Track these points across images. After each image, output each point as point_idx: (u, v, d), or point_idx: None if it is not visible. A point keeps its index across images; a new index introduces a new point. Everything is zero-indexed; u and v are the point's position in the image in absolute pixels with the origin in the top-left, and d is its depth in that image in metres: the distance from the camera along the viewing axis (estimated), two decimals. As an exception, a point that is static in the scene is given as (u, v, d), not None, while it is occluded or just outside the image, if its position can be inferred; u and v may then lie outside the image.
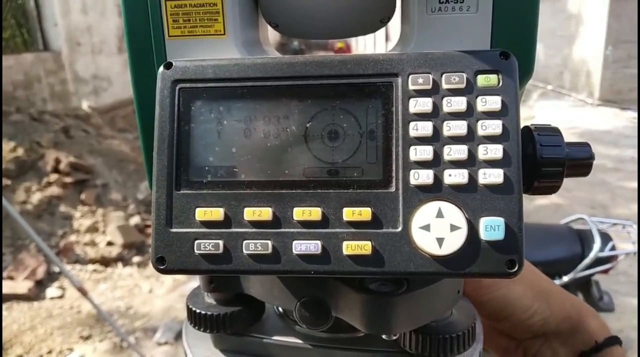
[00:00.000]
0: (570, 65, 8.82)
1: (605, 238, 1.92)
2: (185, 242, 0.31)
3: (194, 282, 2.93)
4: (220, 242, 0.31)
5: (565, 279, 1.89)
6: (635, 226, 1.96)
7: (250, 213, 0.31)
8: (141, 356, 2.39)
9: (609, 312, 2.13)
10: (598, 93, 7.89)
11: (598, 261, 1.88)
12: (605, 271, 1.96)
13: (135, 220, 3.70)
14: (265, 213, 0.31)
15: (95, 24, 6.10)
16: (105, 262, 3.34)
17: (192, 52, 0.35)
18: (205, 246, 0.31)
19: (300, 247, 0.30)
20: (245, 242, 0.30)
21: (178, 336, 2.57)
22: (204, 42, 0.35)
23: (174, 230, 0.31)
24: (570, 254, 1.91)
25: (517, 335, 0.47)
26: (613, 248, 1.91)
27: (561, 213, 3.44)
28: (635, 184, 4.07)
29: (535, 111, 7.59)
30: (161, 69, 0.33)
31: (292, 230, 0.30)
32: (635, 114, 6.65)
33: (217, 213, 0.31)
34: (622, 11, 7.27)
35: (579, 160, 0.34)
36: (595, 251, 1.85)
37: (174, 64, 0.33)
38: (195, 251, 0.31)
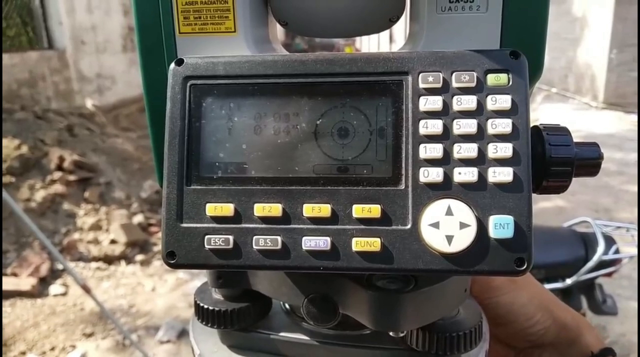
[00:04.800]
0: (574, 68, 8.80)
1: (609, 241, 1.91)
2: (196, 237, 0.31)
3: (197, 281, 2.93)
4: (231, 237, 0.31)
5: (569, 282, 1.88)
6: (640, 229, 1.96)
7: (260, 209, 0.31)
8: (143, 354, 2.39)
9: (612, 316, 2.12)
10: (602, 96, 7.87)
11: (601, 264, 1.87)
12: (609, 274, 1.95)
13: (138, 218, 3.70)
14: (275, 209, 0.31)
15: (99, 22, 6.11)
16: (109, 260, 3.34)
17: (203, 49, 0.35)
18: (216, 241, 0.31)
19: (310, 243, 0.30)
20: (255, 237, 0.31)
21: (180, 335, 2.57)
22: (214, 39, 0.35)
23: (184, 225, 0.31)
24: (574, 257, 1.91)
25: (517, 343, 0.47)
26: (617, 251, 1.90)
27: (564, 216, 3.43)
28: None
29: (539, 114, 7.58)
30: (172, 65, 0.33)
31: (301, 226, 0.31)
32: (640, 118, 6.63)
33: (227, 208, 0.31)
34: (627, 14, 7.25)
35: (587, 160, 0.34)
36: (598, 254, 1.84)
37: (185, 60, 0.33)
38: (206, 246, 0.31)
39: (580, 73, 8.58)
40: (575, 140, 0.34)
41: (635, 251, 1.95)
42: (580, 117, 7.22)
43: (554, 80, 9.46)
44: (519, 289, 0.45)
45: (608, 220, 2.52)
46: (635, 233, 1.96)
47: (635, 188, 4.26)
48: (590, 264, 1.85)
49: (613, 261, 1.91)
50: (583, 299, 2.01)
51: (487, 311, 0.44)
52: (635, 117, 6.96)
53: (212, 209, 0.31)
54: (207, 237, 0.31)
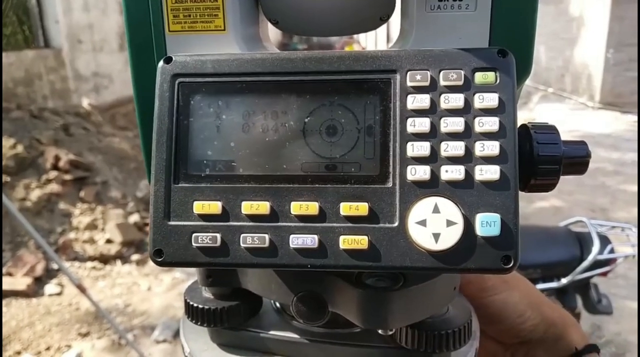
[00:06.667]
0: (571, 68, 8.82)
1: (604, 241, 1.92)
2: (183, 235, 0.31)
3: (192, 280, 2.95)
4: (218, 235, 0.31)
5: (564, 281, 1.88)
6: (635, 229, 1.96)
7: (248, 207, 0.31)
8: (139, 354, 2.39)
9: (607, 315, 2.13)
10: (599, 96, 7.89)
11: (597, 264, 1.88)
12: (604, 274, 1.95)
13: (134, 218, 3.70)
14: (262, 207, 0.31)
15: (96, 21, 6.10)
16: (104, 259, 3.34)
17: (192, 47, 0.35)
18: (203, 239, 0.31)
19: (297, 241, 0.30)
20: (242, 235, 0.31)
21: (176, 334, 2.57)
22: (204, 37, 0.35)
23: (172, 223, 0.31)
24: (569, 257, 1.91)
25: (506, 340, 0.48)
26: (612, 251, 1.91)
27: (561, 216, 3.44)
28: (636, 188, 4.07)
29: (535, 114, 7.60)
30: (161, 63, 0.33)
31: (289, 224, 0.31)
32: (636, 118, 6.64)
33: (214, 206, 0.31)
34: (624, 14, 7.28)
35: (575, 159, 0.34)
36: (594, 254, 1.84)
37: (173, 58, 0.33)
38: (193, 244, 0.31)
39: (577, 73, 8.60)
40: (565, 138, 0.34)
41: (630, 250, 1.95)
42: (576, 117, 7.24)
43: (550, 80, 9.48)
44: (511, 288, 0.46)
45: (604, 220, 2.53)
46: (631, 233, 1.97)
47: (632, 188, 4.28)
48: (586, 263, 1.85)
49: (608, 261, 1.92)
50: (578, 298, 2.01)
51: (482, 310, 0.45)
52: (632, 116, 6.98)
53: (200, 207, 0.31)
54: (194, 235, 0.31)
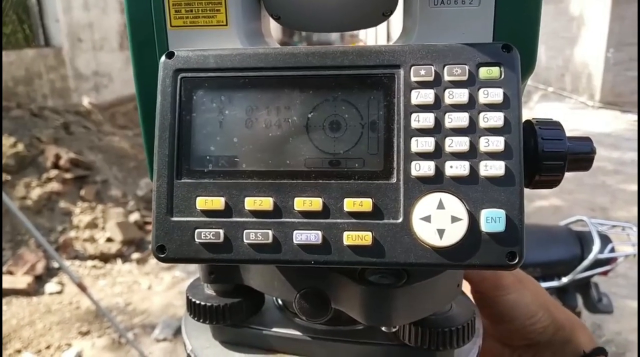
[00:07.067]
0: (571, 68, 8.81)
1: (605, 240, 1.91)
2: (186, 231, 0.31)
3: (193, 279, 2.96)
4: (221, 231, 0.31)
5: (565, 280, 1.88)
6: (635, 228, 1.95)
7: (251, 203, 0.31)
8: (140, 352, 2.39)
9: (607, 314, 2.12)
10: (599, 95, 7.89)
11: (597, 263, 1.87)
12: (605, 273, 1.95)
13: (134, 216, 3.69)
14: (266, 203, 0.31)
15: (96, 20, 6.10)
16: (105, 258, 3.34)
17: (194, 42, 0.35)
18: (206, 235, 0.31)
19: (301, 237, 0.30)
20: (245, 231, 0.30)
21: (177, 333, 2.57)
22: (206, 32, 0.35)
23: (174, 219, 0.31)
24: (570, 256, 1.91)
25: (514, 342, 0.47)
26: (612, 250, 1.90)
27: (561, 215, 3.44)
28: (636, 187, 4.07)
29: (535, 113, 7.59)
30: (163, 58, 0.33)
31: (292, 220, 0.30)
32: (636, 117, 6.64)
33: (217, 202, 0.31)
34: (624, 14, 7.27)
35: (580, 155, 0.34)
36: (594, 253, 1.84)
37: (175, 53, 0.33)
38: (196, 240, 0.31)
39: (577, 72, 8.59)
40: (568, 135, 0.34)
41: (630, 249, 1.95)
42: (577, 116, 7.24)
43: (550, 80, 9.47)
44: (524, 287, 0.46)
45: (604, 219, 2.52)
46: (631, 232, 1.96)
47: (632, 187, 4.28)
48: (586, 262, 1.84)
49: (609, 260, 1.91)
50: (579, 297, 2.01)
51: (493, 308, 0.45)
52: (632, 116, 6.98)
53: (203, 202, 0.31)
54: (197, 231, 0.31)
